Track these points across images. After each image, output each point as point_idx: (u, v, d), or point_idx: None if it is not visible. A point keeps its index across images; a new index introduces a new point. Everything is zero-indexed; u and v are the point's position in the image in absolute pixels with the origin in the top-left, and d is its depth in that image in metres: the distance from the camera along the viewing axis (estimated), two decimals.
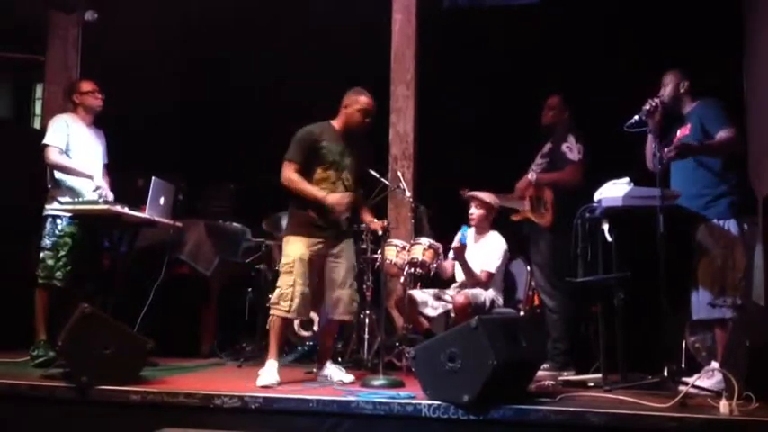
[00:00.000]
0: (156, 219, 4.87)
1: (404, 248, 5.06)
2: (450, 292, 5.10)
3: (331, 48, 6.33)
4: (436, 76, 6.22)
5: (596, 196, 4.16)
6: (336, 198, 4.17)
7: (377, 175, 4.98)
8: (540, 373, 4.16)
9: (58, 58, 6.46)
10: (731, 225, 4.06)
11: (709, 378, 3.88)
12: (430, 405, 3.40)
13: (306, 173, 4.25)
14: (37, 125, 7.07)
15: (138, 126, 6.34)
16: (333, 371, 4.30)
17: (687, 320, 4.39)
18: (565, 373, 4.71)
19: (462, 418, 3.35)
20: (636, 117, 4.18)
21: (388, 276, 5.30)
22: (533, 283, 5.17)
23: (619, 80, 5.68)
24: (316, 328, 5.35)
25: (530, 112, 5.43)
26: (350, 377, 4.24)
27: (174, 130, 6.76)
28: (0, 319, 5.18)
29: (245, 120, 6.71)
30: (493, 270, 5.01)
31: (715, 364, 3.96)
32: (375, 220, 4.43)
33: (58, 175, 4.86)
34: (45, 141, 4.82)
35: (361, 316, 5.27)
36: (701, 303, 4.10)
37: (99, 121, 5.12)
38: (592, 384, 4.16)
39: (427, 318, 5.11)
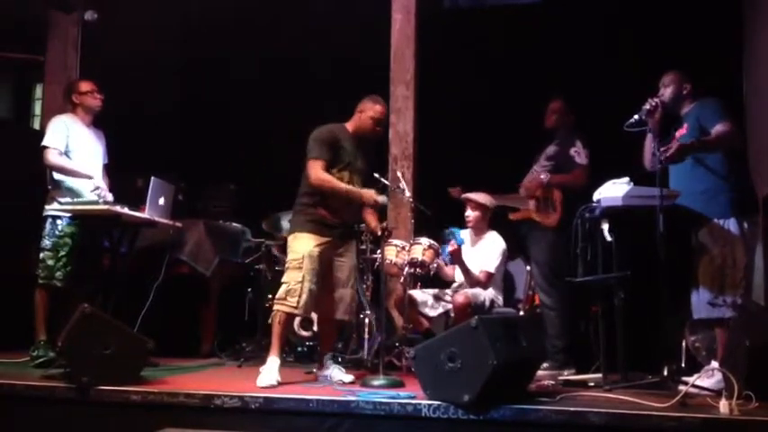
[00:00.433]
0: (156, 219, 4.87)
1: (404, 248, 5.06)
2: (450, 292, 5.10)
3: (331, 48, 6.33)
4: (436, 77, 6.22)
5: (596, 196, 4.16)
6: (372, 194, 4.23)
7: (377, 175, 4.98)
8: (540, 372, 4.16)
9: (58, 58, 6.46)
10: (731, 224, 4.06)
11: (708, 378, 3.88)
12: (430, 405, 3.40)
13: (326, 168, 4.27)
14: (37, 125, 7.07)
15: (138, 126, 6.34)
16: (333, 371, 4.30)
17: (687, 320, 4.39)
18: (565, 372, 4.72)
19: (462, 418, 3.35)
20: (635, 117, 4.18)
21: (388, 276, 5.30)
22: (533, 283, 5.17)
23: (619, 80, 5.69)
24: (315, 328, 5.34)
25: (530, 113, 5.43)
26: (350, 377, 4.24)
27: (174, 130, 6.77)
28: (1, 319, 5.18)
29: (244, 120, 6.72)
30: (492, 270, 5.01)
31: (715, 364, 3.96)
32: (376, 222, 4.43)
33: (57, 175, 4.86)
34: (44, 143, 4.82)
35: (361, 316, 5.27)
36: (701, 303, 4.10)
37: (99, 121, 5.12)
38: (592, 384, 4.16)
39: (427, 318, 5.12)
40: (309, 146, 4.27)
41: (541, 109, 5.28)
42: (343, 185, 4.23)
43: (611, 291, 4.13)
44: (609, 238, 4.10)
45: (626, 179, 4.08)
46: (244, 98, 6.72)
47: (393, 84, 5.96)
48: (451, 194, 5.28)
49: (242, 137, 6.67)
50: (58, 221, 4.84)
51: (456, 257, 4.98)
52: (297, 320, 5.32)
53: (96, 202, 4.64)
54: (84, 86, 5.02)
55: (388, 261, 5.02)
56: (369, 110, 4.38)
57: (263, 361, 4.20)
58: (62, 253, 4.82)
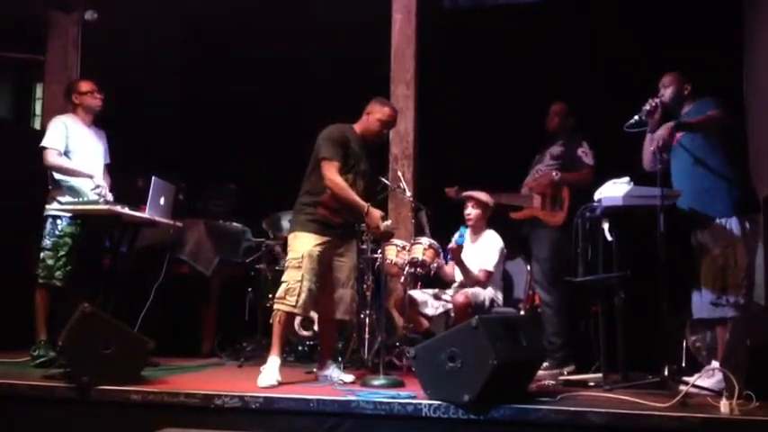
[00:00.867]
0: (157, 219, 4.87)
1: (404, 248, 5.06)
2: (449, 292, 5.10)
3: (331, 47, 6.33)
4: (436, 76, 6.22)
5: (596, 195, 4.16)
6: (377, 219, 4.17)
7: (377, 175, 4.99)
8: (540, 372, 4.16)
9: (58, 58, 6.46)
10: (732, 223, 4.06)
11: (709, 377, 3.88)
12: (430, 405, 3.40)
13: (318, 173, 4.25)
14: (37, 125, 7.08)
15: (139, 126, 6.34)
16: (333, 371, 4.30)
17: (687, 320, 4.39)
18: (565, 370, 4.72)
19: (463, 418, 3.35)
20: (636, 117, 4.18)
21: (389, 276, 5.30)
22: (533, 282, 5.17)
23: (619, 80, 5.69)
24: (316, 327, 5.35)
25: (530, 112, 5.44)
26: (350, 377, 4.24)
27: (175, 130, 6.76)
28: (1, 319, 5.18)
29: (245, 120, 6.72)
30: (491, 269, 5.01)
31: (715, 364, 3.96)
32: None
33: (57, 175, 4.87)
34: (43, 144, 4.82)
35: (362, 316, 5.27)
36: (702, 303, 4.10)
37: (99, 121, 5.12)
38: (592, 384, 4.16)
39: (427, 317, 5.11)
40: (322, 145, 4.24)
41: (542, 109, 5.28)
42: (353, 197, 4.17)
43: (612, 290, 4.13)
44: (609, 238, 4.10)
45: (626, 179, 4.08)
46: (244, 98, 6.72)
47: (393, 83, 5.96)
48: (448, 194, 5.29)
49: (242, 137, 6.67)
50: (59, 221, 4.84)
51: (455, 256, 4.98)
52: (297, 320, 5.32)
53: (97, 202, 4.64)
54: (85, 86, 5.02)
55: (388, 261, 5.02)
56: (377, 112, 4.36)
57: (263, 360, 4.20)
58: (62, 253, 4.82)
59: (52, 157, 4.81)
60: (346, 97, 5.72)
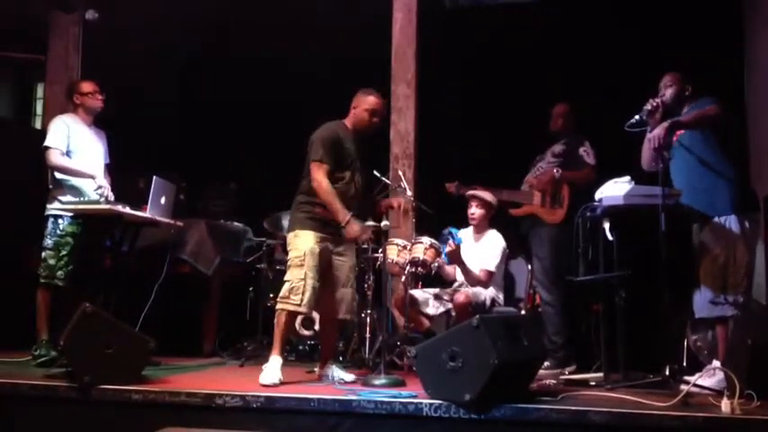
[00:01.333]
0: (158, 218, 4.88)
1: (405, 248, 5.06)
2: (450, 292, 5.10)
3: (332, 47, 6.33)
4: (437, 75, 6.22)
5: (597, 195, 4.16)
6: (356, 231, 4.13)
7: (378, 174, 4.98)
8: (541, 371, 4.16)
9: (59, 58, 6.47)
10: (733, 222, 4.06)
11: (710, 377, 3.88)
12: (431, 404, 3.40)
13: (329, 172, 4.23)
14: (38, 125, 7.09)
15: (139, 126, 6.34)
16: (334, 370, 4.30)
17: (688, 319, 4.39)
18: (566, 370, 4.72)
19: (464, 418, 3.35)
20: (636, 117, 4.18)
21: (390, 276, 5.30)
22: (533, 281, 5.17)
23: (620, 79, 5.69)
24: (317, 326, 5.35)
25: (531, 111, 5.44)
26: (351, 376, 4.24)
27: (175, 130, 6.77)
28: (2, 318, 5.19)
29: (245, 119, 6.72)
30: (493, 269, 5.01)
31: (716, 363, 3.96)
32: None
33: (59, 175, 4.87)
34: (46, 144, 4.82)
35: (363, 315, 5.27)
36: (703, 302, 4.10)
37: (100, 121, 5.12)
38: (593, 383, 4.16)
39: (428, 317, 5.11)
40: (314, 146, 4.23)
41: (542, 108, 5.29)
42: (337, 204, 4.11)
43: (613, 290, 4.13)
44: (610, 238, 4.10)
45: (627, 178, 4.08)
46: (244, 97, 6.72)
47: (394, 82, 5.97)
48: (448, 190, 5.29)
49: (243, 136, 6.67)
50: (60, 221, 4.84)
51: (454, 257, 4.98)
52: (298, 319, 5.33)
53: (98, 202, 4.65)
54: (86, 87, 5.02)
55: (389, 260, 5.02)
56: (363, 103, 4.35)
57: (264, 360, 4.19)
58: (63, 252, 4.82)
59: (55, 157, 4.81)
60: (347, 97, 5.73)
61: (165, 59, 6.67)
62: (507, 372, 3.36)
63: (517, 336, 3.62)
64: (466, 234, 5.18)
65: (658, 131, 3.98)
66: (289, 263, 4.21)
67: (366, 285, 5.34)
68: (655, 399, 3.44)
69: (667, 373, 3.90)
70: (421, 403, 3.41)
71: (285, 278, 4.19)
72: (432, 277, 5.22)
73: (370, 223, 4.53)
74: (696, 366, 4.30)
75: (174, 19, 6.42)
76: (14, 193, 5.54)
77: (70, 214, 4.80)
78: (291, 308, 4.11)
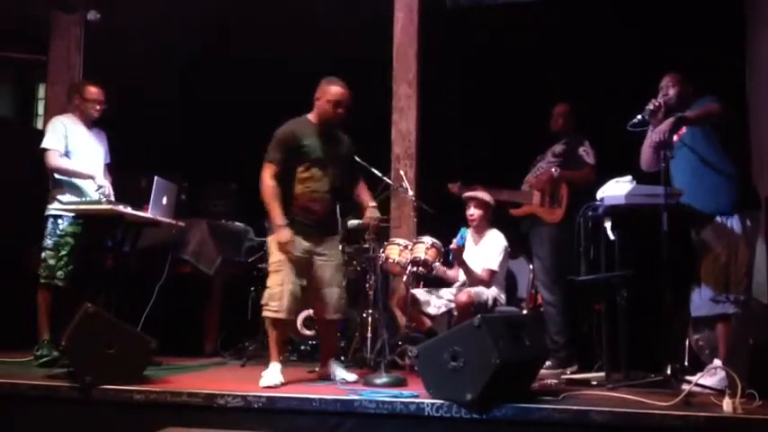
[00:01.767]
0: (159, 218, 4.88)
1: (406, 247, 5.07)
2: (452, 291, 5.10)
3: (332, 47, 6.32)
4: (438, 75, 6.22)
5: (599, 194, 4.15)
6: (282, 238, 4.06)
7: (379, 174, 4.98)
8: (542, 371, 4.16)
9: (61, 58, 6.46)
10: (734, 220, 4.05)
11: (711, 376, 3.88)
12: (433, 404, 3.40)
13: (287, 172, 4.16)
14: (40, 125, 7.09)
15: (141, 126, 6.34)
16: (336, 369, 4.29)
17: (690, 319, 4.38)
18: (568, 370, 4.72)
19: (465, 417, 3.35)
20: (639, 117, 4.17)
21: (391, 275, 5.30)
22: (535, 281, 5.17)
23: (621, 79, 5.69)
24: None
25: (532, 111, 5.44)
26: (353, 376, 4.22)
27: (176, 130, 6.77)
28: (3, 318, 5.19)
29: (246, 119, 6.71)
30: (495, 268, 5.01)
31: (717, 362, 3.95)
32: (372, 215, 4.30)
33: (58, 175, 4.87)
34: (44, 145, 4.82)
35: (364, 315, 5.27)
36: (702, 300, 4.09)
37: (100, 121, 5.12)
38: (595, 383, 4.16)
39: (429, 317, 5.11)
40: (269, 146, 4.19)
41: (544, 107, 5.28)
42: (275, 208, 4.07)
43: (614, 289, 4.13)
44: (612, 237, 4.10)
45: (629, 177, 4.08)
46: (245, 97, 6.72)
47: (395, 82, 5.96)
48: (451, 190, 5.29)
49: (244, 136, 6.66)
50: (60, 221, 4.85)
51: (457, 256, 4.98)
52: (300, 319, 5.33)
53: (99, 202, 4.65)
54: (90, 94, 4.97)
55: (390, 260, 5.02)
56: (325, 94, 4.22)
57: (266, 360, 4.19)
58: (63, 252, 4.83)
59: (54, 159, 4.81)
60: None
61: (165, 59, 6.67)
62: (509, 371, 3.36)
63: (519, 335, 3.62)
64: (467, 235, 5.17)
65: (664, 126, 3.96)
66: (269, 268, 4.18)
67: (367, 285, 5.34)
68: (656, 398, 3.43)
69: (669, 372, 3.89)
70: (422, 403, 3.41)
71: (267, 284, 4.16)
72: (433, 277, 5.23)
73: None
74: (698, 366, 4.29)
75: (174, 19, 6.42)
76: (15, 194, 5.55)
77: (70, 214, 4.80)
78: (271, 315, 4.09)
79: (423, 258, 4.95)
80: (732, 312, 4.00)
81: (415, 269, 4.97)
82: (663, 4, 5.91)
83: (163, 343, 4.13)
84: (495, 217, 5.26)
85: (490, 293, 4.98)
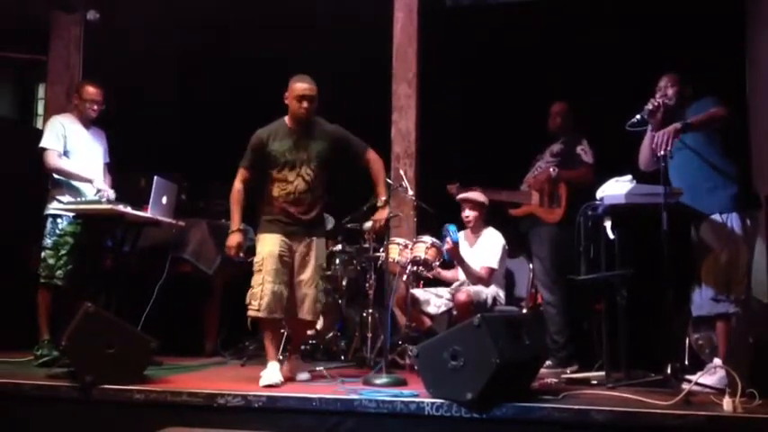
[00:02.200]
0: (159, 218, 4.88)
1: (406, 247, 5.07)
2: (451, 291, 5.10)
3: (333, 46, 6.33)
4: (438, 74, 6.22)
5: (599, 194, 4.15)
6: (232, 242, 4.23)
7: None
8: (542, 370, 4.16)
9: (61, 58, 6.47)
10: (734, 219, 4.05)
11: (711, 375, 3.88)
12: (433, 403, 3.40)
13: (260, 177, 4.26)
14: (39, 125, 7.08)
15: (141, 125, 6.34)
16: (289, 367, 4.33)
17: (690, 318, 4.38)
18: (568, 369, 4.72)
19: (465, 417, 3.35)
20: (638, 116, 4.18)
21: (391, 275, 5.30)
22: (535, 280, 5.17)
23: (621, 78, 5.68)
24: (319, 326, 5.35)
25: (532, 110, 5.44)
26: (306, 375, 4.29)
27: (176, 130, 6.76)
28: (4, 318, 5.20)
29: (246, 119, 6.69)
30: (495, 266, 5.02)
31: (717, 361, 3.95)
32: (378, 218, 4.30)
33: (57, 175, 4.87)
34: (42, 145, 4.83)
35: (364, 314, 5.27)
36: (703, 299, 4.09)
37: (100, 121, 5.12)
38: (595, 382, 4.16)
39: (429, 316, 5.12)
40: None
41: (543, 107, 5.28)
42: (235, 214, 4.25)
43: (614, 289, 4.13)
44: (612, 236, 4.10)
45: (629, 177, 4.08)
46: (246, 97, 6.72)
47: (395, 82, 5.97)
48: (449, 191, 5.30)
49: (244, 136, 6.65)
50: (59, 220, 4.85)
51: (454, 255, 4.98)
52: None
53: (100, 201, 4.66)
54: (87, 94, 4.96)
55: (390, 259, 5.02)
56: (290, 92, 4.24)
57: (265, 360, 4.19)
58: (62, 252, 4.83)
59: (53, 159, 4.81)
60: (348, 96, 5.74)
61: (166, 59, 6.66)
62: (509, 371, 3.36)
63: (519, 335, 3.62)
64: (462, 237, 5.17)
65: (667, 137, 3.93)
66: (253, 268, 4.22)
67: (367, 285, 5.34)
68: (656, 397, 3.43)
69: (669, 371, 3.91)
70: (422, 402, 3.41)
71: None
72: (432, 277, 5.23)
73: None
74: (698, 365, 4.30)
75: (174, 19, 6.42)
76: (16, 193, 5.55)
77: (69, 214, 4.80)
78: (252, 314, 4.12)
79: (423, 258, 4.95)
80: (733, 311, 4.00)
81: (415, 268, 4.97)
82: (663, 3, 5.90)
83: (163, 342, 4.12)
84: (494, 217, 5.26)
85: (489, 292, 4.98)
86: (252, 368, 4.64)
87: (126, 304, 4.79)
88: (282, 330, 5.13)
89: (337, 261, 5.62)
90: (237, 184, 4.28)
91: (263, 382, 3.91)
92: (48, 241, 4.86)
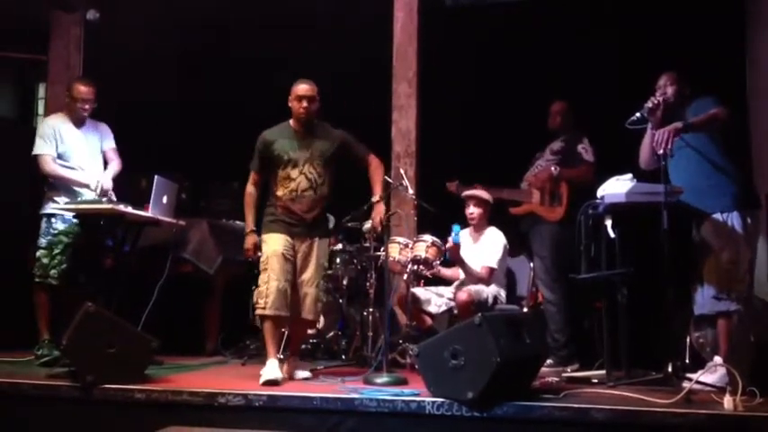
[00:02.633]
0: (160, 217, 4.88)
1: (407, 246, 5.07)
2: (452, 290, 5.10)
3: (333, 46, 6.32)
4: (438, 74, 6.21)
5: (599, 192, 4.15)
6: (246, 245, 4.35)
7: None
8: (543, 369, 4.16)
9: (61, 58, 6.47)
10: (734, 218, 4.05)
11: (712, 374, 3.87)
12: (434, 402, 3.40)
13: (269, 177, 4.36)
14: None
15: (141, 125, 6.34)
16: (291, 367, 4.33)
17: (691, 316, 4.38)
18: (569, 368, 4.71)
19: (466, 416, 3.35)
20: (637, 114, 4.18)
21: (392, 274, 5.30)
22: (536, 279, 5.17)
23: (621, 76, 5.68)
24: (320, 325, 5.35)
25: (532, 109, 5.43)
26: (306, 373, 4.32)
27: (177, 129, 6.76)
28: (5, 318, 5.20)
29: (247, 118, 6.70)
30: (495, 265, 5.01)
31: (718, 359, 3.95)
32: (376, 215, 4.33)
33: (53, 179, 4.88)
34: (35, 152, 4.84)
35: (365, 313, 5.27)
36: (704, 298, 4.09)
37: (101, 120, 5.12)
38: (595, 381, 4.16)
39: (430, 315, 5.12)
40: None
41: (543, 105, 5.28)
42: (248, 216, 4.37)
43: (615, 287, 4.13)
44: (612, 235, 4.10)
45: (629, 175, 4.07)
46: (246, 96, 6.72)
47: (395, 81, 5.96)
48: (449, 189, 5.29)
49: (245, 135, 6.65)
50: (53, 220, 4.87)
51: (454, 255, 4.98)
52: None
53: (100, 201, 4.66)
54: (78, 92, 4.95)
55: (391, 259, 5.02)
56: (291, 95, 4.35)
57: (266, 359, 4.19)
58: (56, 251, 4.84)
59: (47, 165, 4.83)
60: (348, 96, 5.73)
61: (167, 58, 6.66)
62: (510, 370, 3.36)
63: (519, 333, 3.62)
64: (464, 234, 5.17)
65: (667, 135, 3.93)
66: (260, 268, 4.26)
67: (368, 284, 5.34)
68: (657, 396, 3.43)
69: (670, 370, 3.90)
70: (423, 401, 3.41)
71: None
72: (433, 278, 5.23)
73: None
74: (699, 363, 4.29)
75: (174, 19, 6.42)
76: (15, 193, 5.54)
77: (64, 213, 4.81)
78: (259, 312, 4.18)
79: (423, 257, 4.95)
80: (734, 309, 3.99)
81: (415, 267, 4.98)
82: (663, 2, 5.90)
83: (164, 342, 4.12)
84: (495, 215, 5.26)
85: (490, 292, 4.98)
86: (253, 367, 4.64)
87: (126, 304, 4.79)
88: (283, 330, 5.15)
89: (338, 260, 5.62)
90: (249, 188, 4.42)
91: (263, 378, 3.92)
92: (42, 241, 4.87)
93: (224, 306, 5.85)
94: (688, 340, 4.58)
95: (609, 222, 4.11)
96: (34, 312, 4.86)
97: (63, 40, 6.49)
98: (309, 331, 5.52)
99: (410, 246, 5.05)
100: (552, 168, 4.99)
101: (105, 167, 5.09)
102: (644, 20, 5.94)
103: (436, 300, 5.08)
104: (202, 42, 6.78)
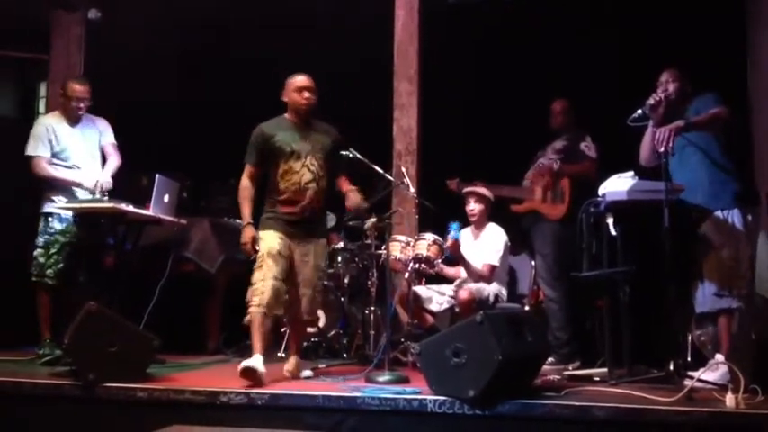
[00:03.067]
0: (161, 216, 4.88)
1: (408, 244, 5.07)
2: (454, 288, 5.10)
3: (333, 46, 6.32)
4: (439, 72, 6.21)
5: (601, 190, 4.15)
6: (244, 239, 4.21)
7: (380, 171, 4.98)
8: (545, 367, 4.16)
9: (62, 57, 6.47)
10: (735, 215, 4.05)
11: (714, 371, 3.87)
12: (435, 400, 3.40)
13: (268, 170, 4.30)
14: None
15: (142, 124, 6.34)
16: (291, 365, 4.31)
17: (693, 314, 4.38)
18: (571, 366, 4.72)
19: (468, 414, 3.35)
20: (639, 111, 4.18)
21: (393, 272, 5.30)
22: (537, 277, 5.17)
23: (623, 74, 5.68)
24: (321, 324, 5.36)
25: (533, 107, 5.43)
26: (309, 372, 4.29)
27: (178, 129, 6.77)
28: (6, 318, 5.20)
29: (247, 118, 6.69)
30: (496, 263, 5.01)
31: (720, 357, 3.95)
32: (352, 197, 4.31)
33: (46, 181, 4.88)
34: (28, 153, 4.84)
35: (366, 312, 5.28)
36: (705, 296, 4.09)
37: (100, 116, 5.12)
38: (597, 379, 4.15)
39: (432, 313, 5.12)
40: None
41: (545, 104, 5.28)
42: (245, 210, 4.25)
43: (617, 285, 4.12)
44: (614, 233, 4.10)
45: (631, 173, 4.07)
46: (247, 95, 6.72)
47: (397, 79, 5.96)
48: (449, 187, 5.29)
49: (245, 135, 6.65)
50: (50, 219, 4.88)
51: (454, 251, 4.97)
52: None
53: (101, 200, 4.66)
54: (73, 91, 4.94)
55: (392, 257, 5.02)
56: (290, 86, 4.34)
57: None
58: (53, 250, 4.85)
59: (40, 167, 4.84)
60: (348, 95, 5.74)
61: (168, 57, 6.66)
62: (511, 368, 3.36)
63: (521, 331, 3.62)
64: (465, 232, 5.17)
65: (669, 134, 3.92)
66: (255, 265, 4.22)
67: (369, 282, 5.34)
68: (659, 394, 3.43)
69: (671, 368, 3.90)
70: (425, 399, 3.42)
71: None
72: (435, 274, 5.23)
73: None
74: (700, 361, 4.29)
75: (174, 19, 6.42)
76: (16, 193, 5.54)
77: (61, 213, 4.81)
78: (253, 309, 4.08)
79: (425, 255, 4.95)
80: (735, 307, 3.99)
81: (416, 266, 4.98)
82: (664, 2, 5.89)
83: (165, 341, 4.13)
84: (496, 213, 5.26)
85: (492, 290, 4.98)
86: None
87: (128, 303, 4.80)
88: (283, 329, 5.16)
89: (339, 258, 5.63)
90: (245, 181, 4.31)
91: (242, 364, 3.78)
92: (40, 240, 4.88)
93: (226, 305, 5.85)
94: (689, 338, 4.58)
95: (610, 220, 4.10)
96: (35, 312, 4.86)
97: (64, 39, 6.49)
98: (310, 330, 5.52)
99: (411, 244, 5.05)
100: (554, 165, 4.99)
101: (105, 163, 5.09)
102: (645, 19, 5.94)
103: (438, 298, 5.08)
104: (202, 42, 6.78)
